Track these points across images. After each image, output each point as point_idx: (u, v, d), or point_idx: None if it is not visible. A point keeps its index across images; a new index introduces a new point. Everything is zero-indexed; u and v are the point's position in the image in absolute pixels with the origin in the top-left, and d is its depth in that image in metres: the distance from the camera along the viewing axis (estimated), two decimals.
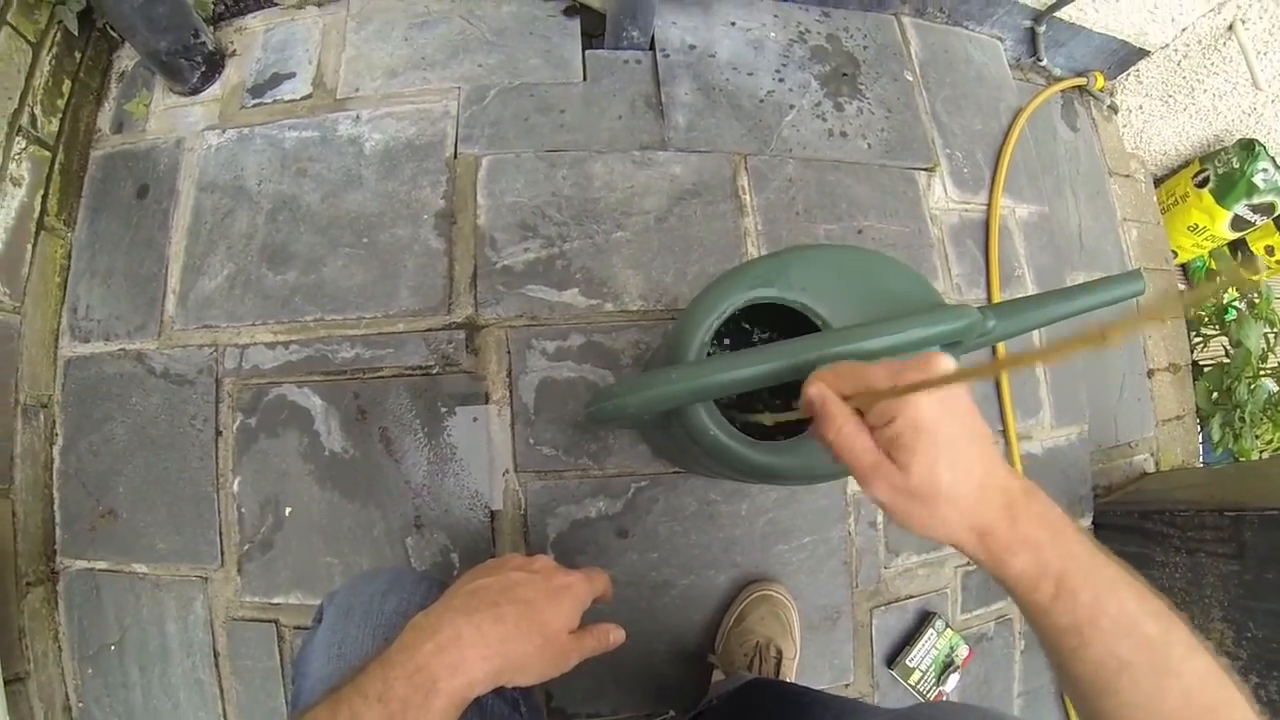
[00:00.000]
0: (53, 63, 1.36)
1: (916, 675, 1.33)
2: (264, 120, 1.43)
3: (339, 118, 1.41)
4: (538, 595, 0.63)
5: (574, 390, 1.28)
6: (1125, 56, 1.84)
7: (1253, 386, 1.79)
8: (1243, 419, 1.78)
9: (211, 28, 1.48)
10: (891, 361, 0.57)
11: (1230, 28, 1.68)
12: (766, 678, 1.14)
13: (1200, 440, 1.89)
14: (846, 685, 1.33)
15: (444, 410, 1.28)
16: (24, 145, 1.30)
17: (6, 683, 1.14)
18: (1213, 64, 1.77)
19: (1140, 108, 1.98)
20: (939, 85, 1.62)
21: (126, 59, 1.51)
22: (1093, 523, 1.54)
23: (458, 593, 0.63)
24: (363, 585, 0.74)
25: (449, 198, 1.35)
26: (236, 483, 1.27)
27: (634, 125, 1.44)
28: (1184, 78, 1.85)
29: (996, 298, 1.50)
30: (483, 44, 1.47)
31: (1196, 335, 2.02)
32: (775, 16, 1.59)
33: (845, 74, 1.56)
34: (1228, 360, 1.86)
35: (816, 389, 0.59)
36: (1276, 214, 1.98)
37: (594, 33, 1.52)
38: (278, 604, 1.25)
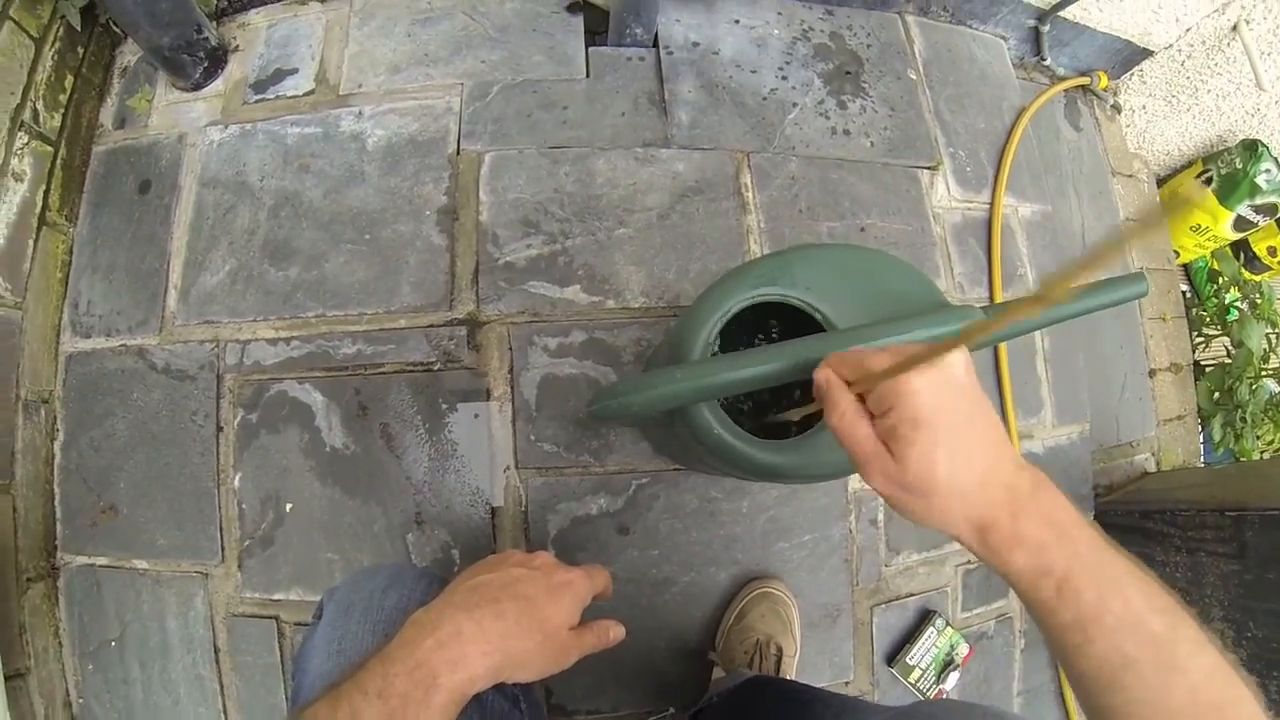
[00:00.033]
0: (55, 58, 1.36)
1: (917, 673, 1.33)
2: (266, 116, 1.43)
3: (341, 114, 1.41)
4: (538, 592, 0.63)
5: (575, 387, 1.28)
6: (1129, 56, 1.83)
7: (1254, 387, 1.79)
8: (1244, 419, 1.78)
9: (214, 23, 1.48)
10: (899, 346, 0.57)
11: (1234, 28, 1.67)
12: (767, 675, 1.14)
13: (1201, 440, 1.89)
14: (847, 683, 1.33)
15: (445, 407, 1.28)
16: (26, 140, 1.30)
17: (7, 678, 1.14)
18: (1216, 64, 1.77)
19: (1143, 108, 1.97)
20: (942, 84, 1.62)
21: (129, 54, 1.51)
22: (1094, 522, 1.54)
23: (458, 589, 0.63)
24: (363, 581, 0.74)
25: (451, 194, 1.35)
26: (237, 479, 1.27)
27: (637, 122, 1.44)
28: (1187, 78, 1.84)
29: (999, 297, 1.50)
30: (486, 40, 1.47)
31: (1198, 335, 2.02)
32: (779, 14, 1.59)
33: (849, 72, 1.56)
34: (1229, 360, 1.86)
35: (823, 374, 0.59)
36: (1279, 215, 1.97)
37: (597, 30, 1.51)
38: (278, 600, 1.25)
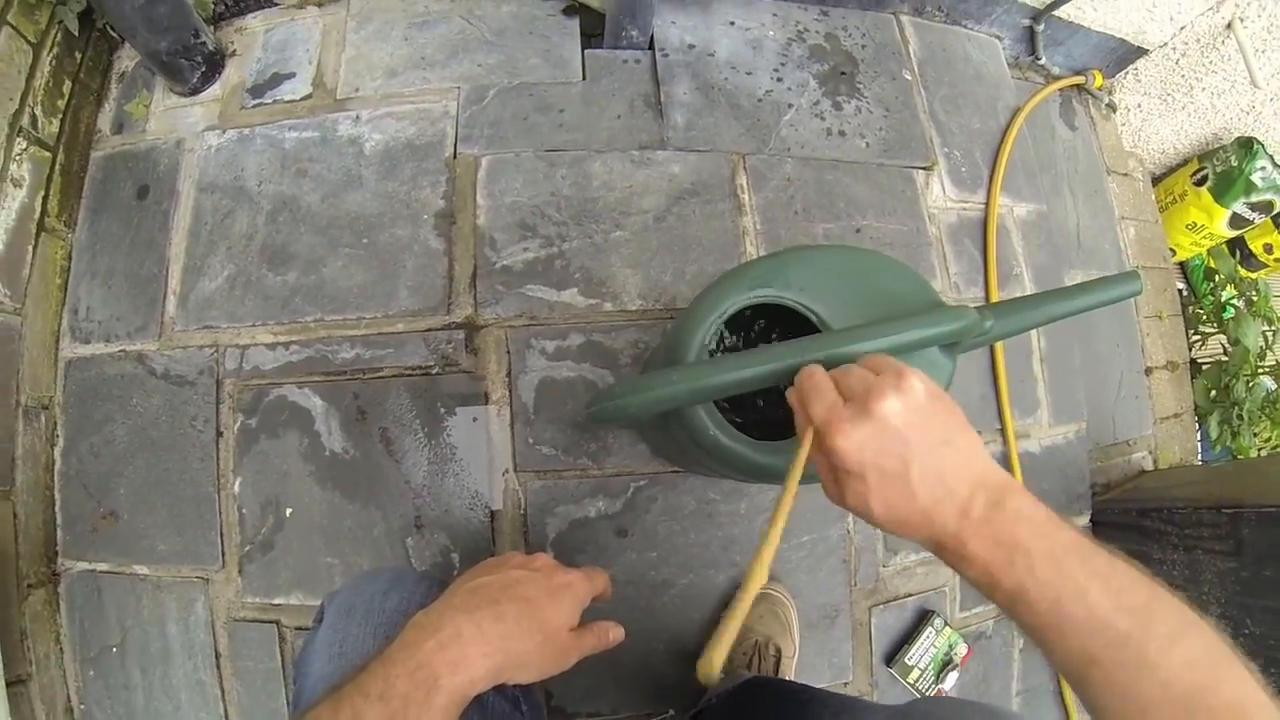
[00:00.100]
0: (53, 63, 1.36)
1: (915, 673, 1.34)
2: (264, 120, 1.43)
3: (339, 118, 1.42)
4: (538, 593, 0.64)
5: (573, 390, 1.29)
6: (1124, 55, 1.84)
7: (1251, 384, 1.80)
8: (1241, 417, 1.78)
9: (211, 28, 1.48)
10: (851, 370, 0.61)
11: (1228, 26, 1.68)
12: (766, 676, 1.15)
13: (1198, 438, 1.89)
14: (845, 683, 1.34)
15: (444, 410, 1.28)
16: (24, 146, 1.30)
17: (8, 684, 1.14)
18: (1211, 62, 1.78)
19: (1139, 106, 1.98)
20: (937, 84, 1.62)
21: (127, 59, 1.51)
22: (1091, 520, 1.55)
23: (458, 591, 0.64)
24: (364, 585, 0.75)
25: (449, 198, 1.36)
26: (237, 484, 1.27)
27: (633, 125, 1.44)
28: (1182, 76, 1.85)
29: (994, 297, 1.50)
30: (482, 44, 1.48)
31: (1195, 333, 2.03)
32: (774, 15, 1.59)
33: (844, 73, 1.57)
34: (1226, 358, 1.87)
35: (792, 396, 0.64)
36: (1275, 212, 1.98)
37: (593, 32, 1.52)
38: (279, 605, 1.25)
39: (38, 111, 1.33)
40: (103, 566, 1.29)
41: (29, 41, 1.31)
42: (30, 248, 1.31)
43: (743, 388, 0.74)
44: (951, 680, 1.35)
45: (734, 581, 1.29)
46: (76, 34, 1.39)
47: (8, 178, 1.27)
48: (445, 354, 1.29)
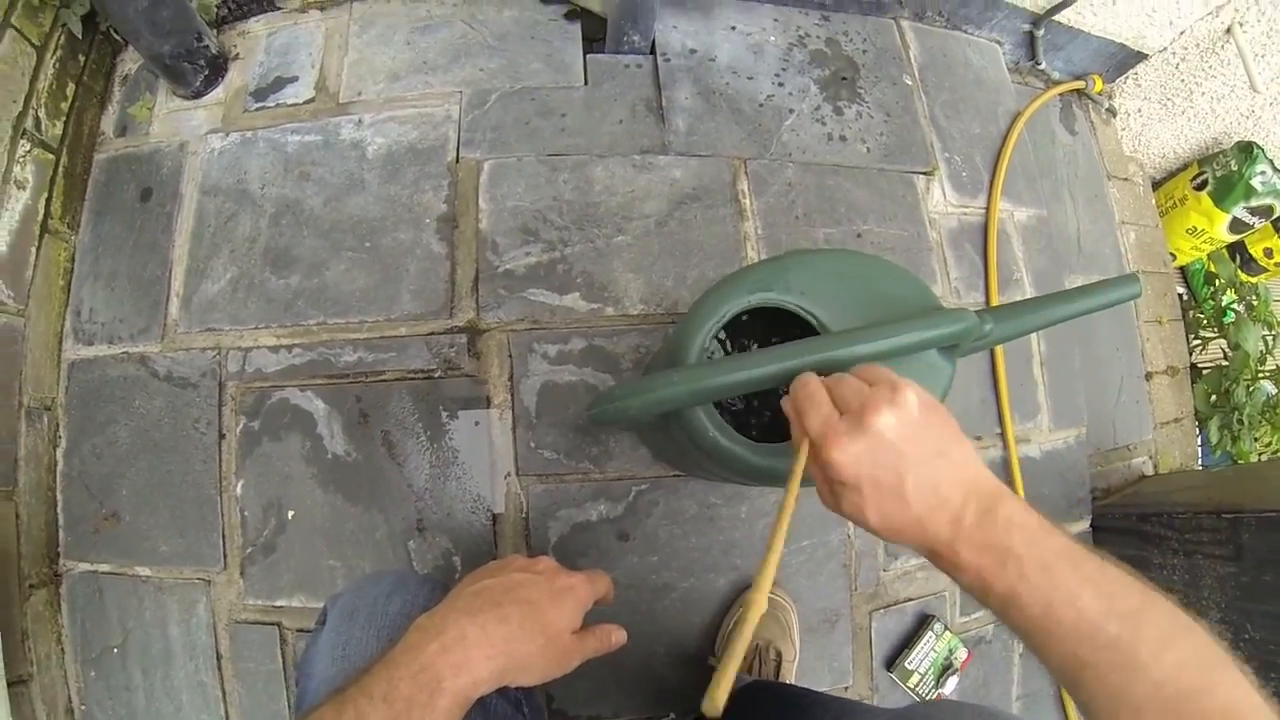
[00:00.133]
0: (56, 66, 1.37)
1: (915, 678, 1.34)
2: (267, 124, 1.44)
3: (341, 121, 1.42)
4: (541, 596, 0.64)
5: (575, 394, 1.29)
6: (1123, 60, 1.84)
7: (1251, 389, 1.80)
8: (1241, 421, 1.78)
9: (214, 31, 1.49)
10: (846, 380, 0.61)
11: (1228, 31, 1.68)
12: (766, 680, 1.15)
13: (1199, 443, 1.89)
14: (846, 687, 1.34)
15: (446, 414, 1.28)
16: (28, 148, 1.31)
17: (10, 685, 1.14)
18: (1211, 67, 1.78)
19: (1139, 111, 1.98)
20: (938, 89, 1.63)
21: (130, 62, 1.52)
22: (1091, 525, 1.55)
23: (462, 594, 0.64)
24: (367, 587, 0.75)
25: (451, 202, 1.36)
26: (239, 486, 1.28)
27: (634, 129, 1.44)
28: (1182, 81, 1.85)
29: (995, 301, 1.51)
30: (484, 48, 1.48)
31: (1195, 338, 2.03)
32: (775, 20, 1.60)
33: (844, 78, 1.57)
34: (1226, 363, 1.87)
35: (787, 405, 0.65)
36: (1275, 216, 1.98)
37: (595, 37, 1.52)
38: (280, 607, 1.25)
39: (41, 114, 1.33)
40: (104, 567, 1.29)
41: (33, 44, 1.31)
42: (33, 249, 1.32)
43: (743, 389, 0.74)
44: (951, 685, 1.35)
45: (735, 585, 1.29)
46: (80, 37, 1.40)
47: (11, 180, 1.27)
48: (447, 358, 1.29)
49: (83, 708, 1.28)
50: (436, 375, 1.29)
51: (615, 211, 1.38)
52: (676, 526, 1.28)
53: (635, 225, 1.37)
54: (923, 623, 1.37)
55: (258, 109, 1.45)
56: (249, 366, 1.30)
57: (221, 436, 1.29)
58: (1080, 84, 1.86)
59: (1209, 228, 1.99)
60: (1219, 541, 1.28)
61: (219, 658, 1.26)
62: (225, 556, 1.27)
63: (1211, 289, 2.17)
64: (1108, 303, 0.90)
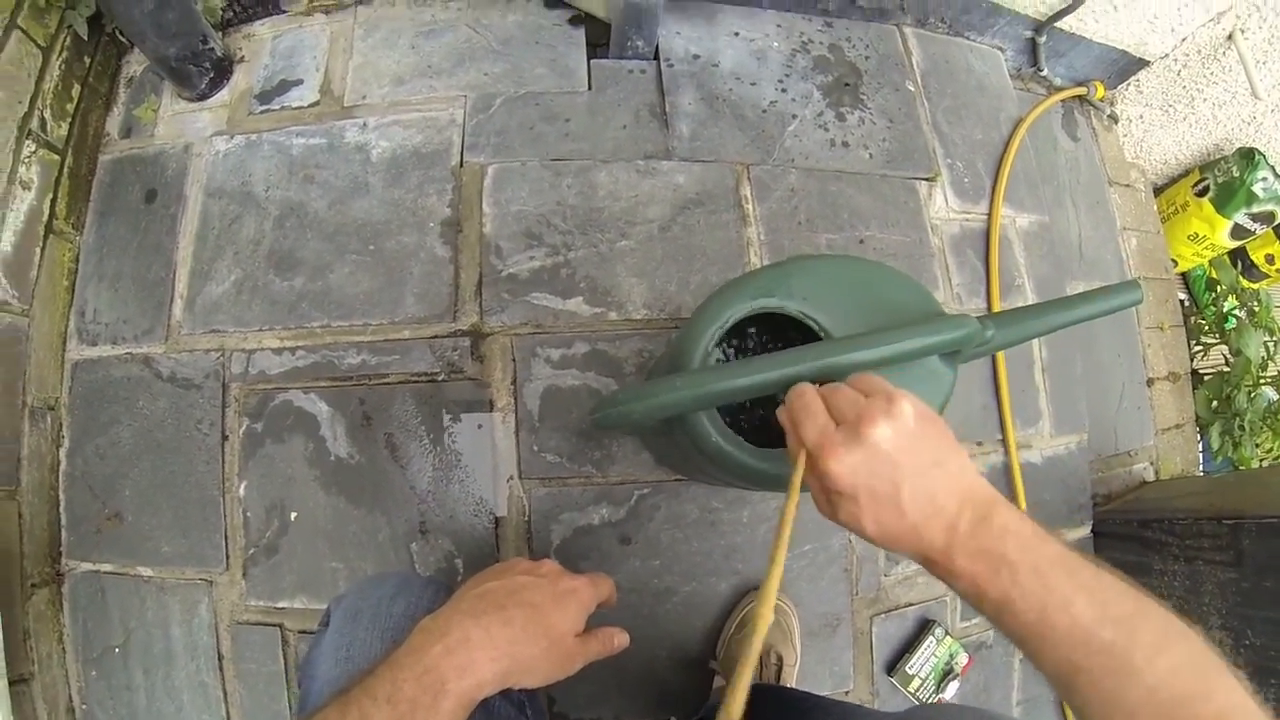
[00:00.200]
0: (62, 67, 1.37)
1: (916, 682, 1.34)
2: (271, 127, 1.44)
3: (346, 125, 1.43)
4: (544, 599, 0.65)
5: (578, 398, 1.29)
6: (1125, 66, 1.85)
7: (1252, 395, 1.80)
8: (1242, 427, 1.78)
9: (220, 34, 1.49)
10: (841, 390, 0.62)
11: (1229, 37, 1.69)
12: (768, 684, 1.15)
13: (1200, 449, 1.89)
14: (846, 692, 1.34)
15: (449, 417, 1.28)
16: (34, 149, 1.31)
17: (11, 684, 1.14)
18: (1212, 73, 1.78)
19: (1140, 117, 1.99)
20: (940, 95, 1.63)
21: (135, 64, 1.52)
22: (1092, 531, 1.55)
23: (465, 596, 0.64)
24: (370, 589, 0.75)
25: (455, 206, 1.37)
26: (242, 487, 1.28)
27: (638, 134, 1.45)
28: (1184, 87, 1.86)
29: (996, 307, 1.51)
30: (489, 53, 1.49)
31: (1196, 344, 2.03)
32: (778, 26, 1.60)
33: (847, 84, 1.58)
34: (1227, 369, 1.87)
35: (782, 416, 0.65)
36: (1276, 222, 1.98)
37: (599, 42, 1.53)
38: (282, 608, 1.25)
39: (47, 115, 1.34)
40: (107, 567, 1.30)
41: (38, 45, 1.32)
42: (38, 250, 1.32)
43: (746, 395, 0.75)
44: (952, 690, 1.35)
45: (736, 589, 1.29)
46: (85, 38, 1.40)
47: (16, 180, 1.27)
48: (451, 361, 1.29)
49: (84, 707, 1.28)
50: (440, 378, 1.29)
51: (619, 216, 1.38)
52: (678, 530, 1.28)
53: (638, 230, 1.38)
54: (924, 628, 1.37)
55: (262, 112, 1.46)
56: (253, 368, 1.31)
57: (225, 438, 1.30)
58: (1082, 90, 1.86)
59: (1210, 234, 1.99)
60: (1220, 547, 1.28)
61: (220, 658, 1.26)
62: (228, 557, 1.27)
63: (1213, 295, 2.17)
64: (1109, 309, 0.90)
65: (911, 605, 1.38)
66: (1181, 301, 2.06)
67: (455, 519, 1.26)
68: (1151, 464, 1.77)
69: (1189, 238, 2.04)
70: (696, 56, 1.53)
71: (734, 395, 0.74)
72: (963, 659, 1.36)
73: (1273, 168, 1.87)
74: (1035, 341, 1.55)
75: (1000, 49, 1.78)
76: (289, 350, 1.31)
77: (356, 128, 1.42)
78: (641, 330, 1.33)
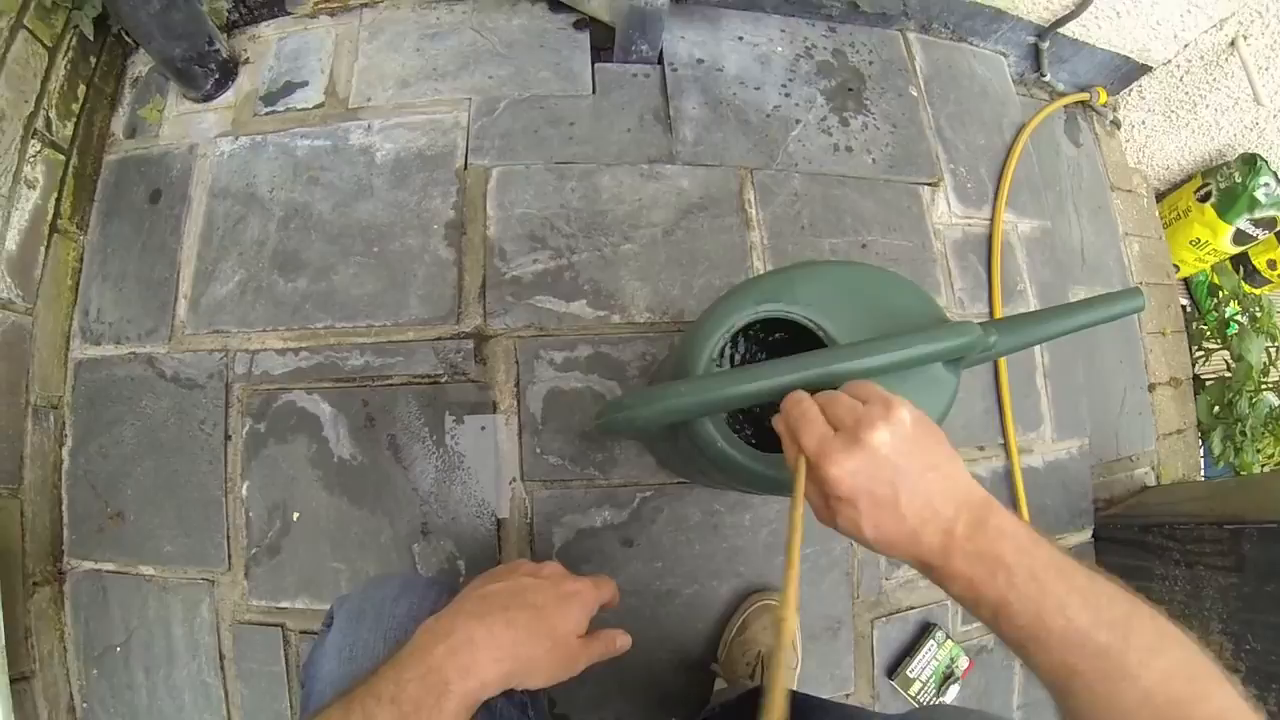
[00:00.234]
0: (68, 67, 1.38)
1: (917, 686, 1.34)
2: (276, 128, 1.45)
3: (351, 127, 1.43)
4: (548, 600, 0.65)
5: (581, 401, 1.29)
6: (1128, 72, 1.85)
7: (1254, 400, 1.80)
8: (1244, 433, 1.78)
9: (225, 35, 1.50)
10: (839, 398, 0.62)
11: (1232, 44, 1.69)
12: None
13: (1201, 454, 1.89)
14: (847, 695, 1.34)
15: (452, 419, 1.29)
16: (39, 148, 1.31)
17: (12, 682, 1.14)
18: (1215, 79, 1.79)
19: (1143, 123, 1.99)
20: (943, 100, 1.63)
21: (141, 65, 1.53)
22: (1093, 535, 1.55)
23: (469, 597, 0.64)
24: (374, 589, 0.75)
25: (459, 208, 1.37)
26: (245, 487, 1.28)
27: (642, 138, 1.45)
28: (1186, 93, 1.86)
29: (998, 312, 1.51)
30: (493, 56, 1.49)
31: (1198, 349, 2.03)
32: (782, 31, 1.61)
33: (851, 89, 1.58)
34: (1229, 374, 1.87)
35: (779, 425, 0.66)
36: (1278, 228, 1.99)
37: (603, 46, 1.53)
38: (284, 608, 1.26)
39: (52, 114, 1.34)
40: (109, 566, 1.30)
41: (44, 45, 1.32)
42: (43, 249, 1.32)
43: (750, 401, 0.75)
44: (953, 693, 1.35)
45: (738, 592, 1.29)
46: (91, 39, 1.41)
47: (22, 179, 1.28)
48: (454, 363, 1.30)
49: (84, 706, 1.28)
50: (443, 380, 1.29)
51: (622, 220, 1.38)
52: (680, 533, 1.29)
53: (642, 234, 1.38)
54: (924, 631, 1.37)
55: (267, 113, 1.46)
56: (256, 369, 1.31)
57: (228, 438, 1.30)
58: (1085, 96, 1.87)
59: (1212, 240, 1.99)
60: (1221, 553, 1.28)
61: (222, 658, 1.26)
62: (230, 557, 1.27)
63: (1215, 301, 2.17)
64: (1111, 316, 0.90)
65: (913, 609, 1.38)
66: (1183, 307, 2.06)
67: (457, 520, 1.26)
68: (1153, 469, 1.77)
69: (1191, 243, 2.04)
70: (700, 61, 1.54)
71: (739, 401, 0.75)
72: (963, 663, 1.36)
73: (1275, 173, 1.87)
74: (1037, 347, 1.55)
75: (1003, 54, 1.78)
76: (292, 351, 1.31)
77: (361, 130, 1.43)
78: (645, 333, 1.33)
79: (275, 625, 1.25)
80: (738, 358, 0.90)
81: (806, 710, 0.86)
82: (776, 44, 1.59)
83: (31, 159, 1.30)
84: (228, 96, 1.49)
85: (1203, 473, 1.88)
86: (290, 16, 1.55)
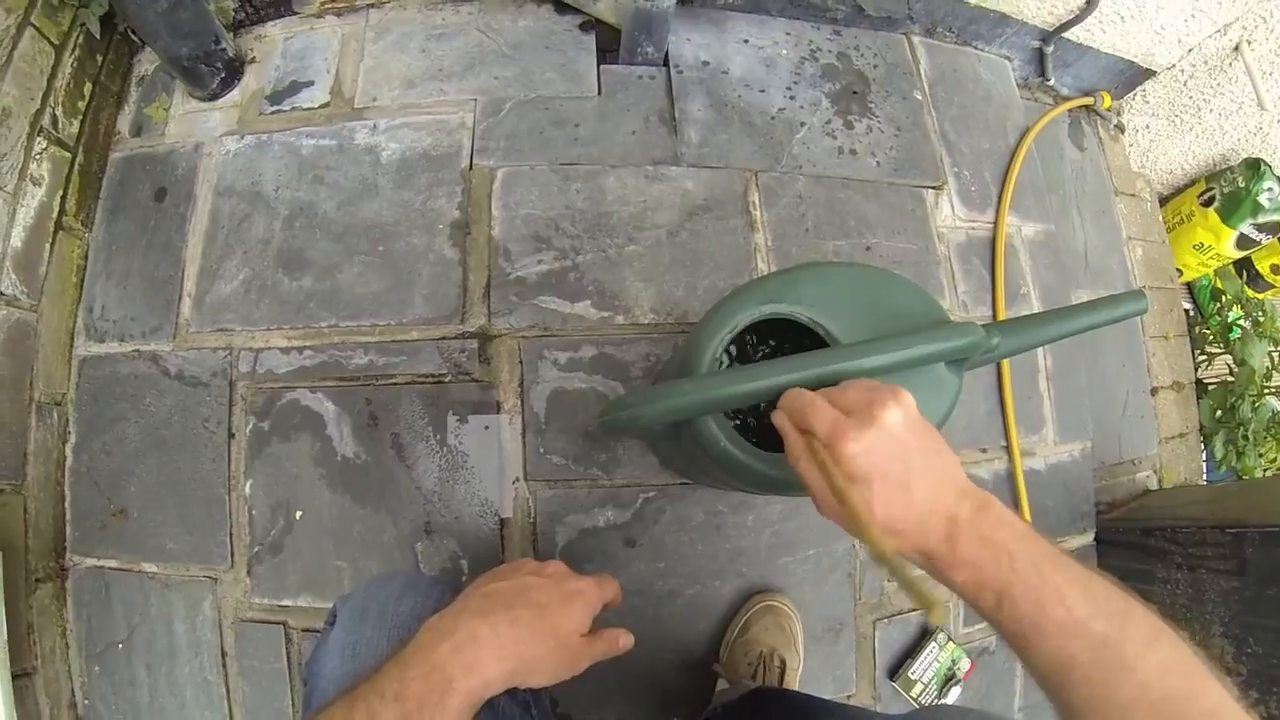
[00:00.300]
0: (74, 65, 1.38)
1: (918, 687, 1.34)
2: (282, 127, 1.45)
3: (356, 126, 1.43)
4: (551, 599, 0.65)
5: (585, 401, 1.30)
6: (1132, 76, 1.85)
7: (1256, 405, 1.80)
8: (1246, 437, 1.78)
9: (232, 35, 1.50)
10: (846, 389, 0.63)
11: (1236, 49, 1.69)
12: (771, 686, 1.15)
13: (1203, 458, 1.89)
14: (849, 696, 1.34)
15: (455, 418, 1.29)
16: (45, 145, 1.32)
17: (14, 678, 1.15)
18: (1219, 84, 1.79)
19: (1147, 127, 1.99)
20: (947, 104, 1.64)
21: (147, 63, 1.53)
22: (1095, 538, 1.55)
23: (473, 595, 0.65)
24: (377, 588, 0.75)
25: (464, 208, 1.37)
26: (248, 485, 1.28)
27: (647, 140, 1.46)
28: (1190, 98, 1.86)
29: (1002, 315, 1.51)
30: (499, 57, 1.49)
31: (1200, 353, 2.03)
32: (787, 34, 1.61)
33: (855, 92, 1.58)
34: (1232, 378, 1.87)
35: (779, 419, 0.66)
36: None
37: (609, 48, 1.53)
38: (286, 606, 1.26)
39: (58, 112, 1.34)
40: (111, 563, 1.30)
41: (51, 42, 1.33)
42: (48, 246, 1.33)
43: (754, 399, 0.75)
44: (954, 695, 1.35)
45: (740, 592, 1.29)
46: (98, 37, 1.41)
47: (28, 176, 1.28)
48: (458, 362, 1.30)
49: (86, 702, 1.28)
50: (447, 380, 1.30)
51: (627, 221, 1.39)
52: (683, 534, 1.29)
53: (647, 235, 1.38)
54: (926, 633, 1.37)
55: (273, 112, 1.47)
56: (260, 367, 1.31)
57: (231, 436, 1.30)
58: (1089, 100, 1.87)
59: (1216, 244, 1.99)
60: (1223, 556, 1.28)
61: (224, 655, 1.27)
62: (232, 555, 1.27)
63: (1218, 305, 2.17)
64: (1114, 318, 0.90)
65: (915, 610, 1.38)
66: (1186, 311, 2.06)
67: (461, 520, 1.27)
68: (1155, 472, 1.77)
69: (1194, 247, 2.05)
70: (706, 63, 1.54)
71: (743, 400, 0.75)
72: (965, 664, 1.36)
73: (1278, 178, 1.87)
74: (1040, 349, 1.56)
75: (1008, 58, 1.79)
76: (296, 350, 1.31)
77: (367, 129, 1.43)
78: (649, 334, 1.33)
79: (277, 623, 1.25)
80: (741, 358, 0.90)
81: (809, 711, 0.86)
82: (781, 47, 1.59)
83: (37, 156, 1.30)
84: (233, 95, 1.50)
85: (1204, 476, 1.88)
86: (296, 16, 1.55)
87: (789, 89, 1.55)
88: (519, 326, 1.32)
